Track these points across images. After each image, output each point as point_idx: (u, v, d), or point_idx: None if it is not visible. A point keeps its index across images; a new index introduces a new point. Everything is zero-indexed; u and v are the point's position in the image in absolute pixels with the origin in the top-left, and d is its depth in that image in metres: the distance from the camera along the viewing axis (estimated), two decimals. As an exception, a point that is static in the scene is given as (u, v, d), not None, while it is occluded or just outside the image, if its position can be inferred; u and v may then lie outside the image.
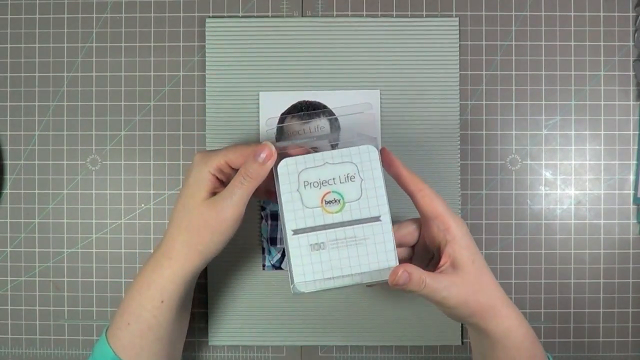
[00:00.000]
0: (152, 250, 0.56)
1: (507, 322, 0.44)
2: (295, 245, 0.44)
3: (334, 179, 0.44)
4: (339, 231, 0.44)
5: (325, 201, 0.44)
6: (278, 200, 0.44)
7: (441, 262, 0.44)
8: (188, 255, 0.45)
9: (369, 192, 0.44)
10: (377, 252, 0.44)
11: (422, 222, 0.46)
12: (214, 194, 0.45)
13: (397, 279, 0.42)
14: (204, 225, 0.44)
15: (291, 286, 0.44)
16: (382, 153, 0.45)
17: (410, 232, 0.47)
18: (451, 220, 0.44)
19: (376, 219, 0.44)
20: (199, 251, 0.45)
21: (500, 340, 0.44)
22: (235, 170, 0.46)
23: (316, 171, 0.44)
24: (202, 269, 0.47)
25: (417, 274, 0.42)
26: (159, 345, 0.46)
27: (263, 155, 0.43)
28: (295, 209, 0.44)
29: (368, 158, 0.44)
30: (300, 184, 0.44)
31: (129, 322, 0.45)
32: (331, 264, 0.44)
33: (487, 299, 0.44)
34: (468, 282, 0.44)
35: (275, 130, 0.54)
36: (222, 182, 0.46)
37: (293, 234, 0.44)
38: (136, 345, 0.45)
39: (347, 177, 0.44)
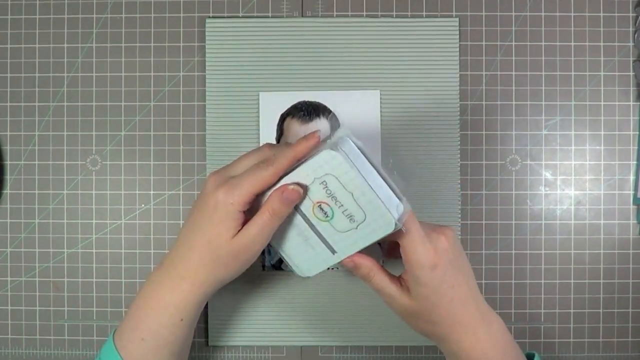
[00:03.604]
0: (152, 251, 0.56)
1: (454, 346, 0.45)
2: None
3: (342, 205, 0.43)
4: (304, 224, 0.45)
5: (320, 206, 0.44)
6: (305, 158, 0.43)
7: (403, 276, 0.46)
8: (212, 283, 0.45)
9: (351, 238, 0.44)
10: (308, 260, 0.47)
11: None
12: (240, 227, 0.44)
13: (345, 263, 0.45)
14: (233, 259, 0.45)
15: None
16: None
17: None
18: (417, 261, 0.43)
19: (333, 251, 0.45)
20: (223, 279, 0.46)
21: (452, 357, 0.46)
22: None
23: (338, 187, 0.43)
24: None
25: (366, 267, 0.45)
26: (171, 359, 0.46)
27: (291, 199, 0.43)
28: (300, 182, 0.43)
29: (381, 225, 0.43)
30: (320, 177, 0.43)
31: (144, 337, 0.45)
32: (279, 230, 0.45)
33: (426, 326, 0.46)
34: (411, 308, 0.45)
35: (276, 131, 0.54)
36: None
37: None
38: None
39: (351, 216, 0.43)
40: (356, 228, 0.43)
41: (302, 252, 0.46)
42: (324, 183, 0.43)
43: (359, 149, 0.43)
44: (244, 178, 0.43)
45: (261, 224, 0.43)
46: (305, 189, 0.43)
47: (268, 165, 0.43)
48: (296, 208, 0.44)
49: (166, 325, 0.45)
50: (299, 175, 0.43)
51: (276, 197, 0.43)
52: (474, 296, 0.45)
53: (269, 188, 0.44)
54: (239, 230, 0.44)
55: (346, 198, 0.43)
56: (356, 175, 0.42)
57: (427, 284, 0.43)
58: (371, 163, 0.43)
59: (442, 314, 0.44)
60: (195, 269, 0.45)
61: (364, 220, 0.43)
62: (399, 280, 0.46)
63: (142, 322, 0.45)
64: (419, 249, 0.43)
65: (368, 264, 0.45)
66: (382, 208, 0.42)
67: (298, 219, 0.45)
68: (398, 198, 0.43)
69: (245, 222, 0.44)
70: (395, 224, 0.42)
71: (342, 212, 0.43)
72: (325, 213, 0.44)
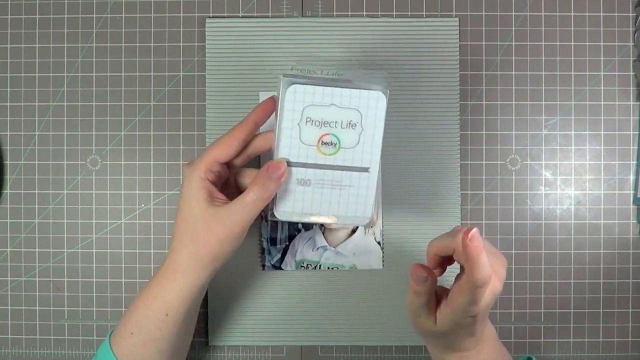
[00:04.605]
0: (152, 251, 0.56)
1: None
2: None
3: (336, 122, 0.44)
4: (327, 173, 0.45)
5: (322, 142, 0.44)
6: (277, 127, 0.44)
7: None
8: (195, 268, 0.44)
9: (366, 143, 0.44)
10: (357, 201, 0.45)
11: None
12: (210, 198, 0.44)
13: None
14: (211, 235, 0.44)
15: (270, 212, 0.46)
16: (463, 241, 0.38)
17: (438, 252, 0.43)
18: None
19: (365, 169, 0.45)
20: (205, 263, 0.44)
21: None
22: (224, 165, 0.46)
23: (321, 110, 0.43)
24: (209, 282, 0.47)
25: (426, 273, 0.42)
26: (161, 357, 0.46)
27: (277, 174, 0.43)
28: (291, 141, 0.44)
29: (375, 107, 0.43)
30: (302, 119, 0.44)
31: (133, 332, 0.45)
32: (312, 200, 0.45)
33: (434, 339, 0.45)
34: (432, 331, 0.43)
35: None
36: (215, 182, 0.46)
37: None
38: (139, 356, 0.45)
39: (349, 124, 0.44)
40: (362, 128, 0.44)
41: (347, 199, 0.45)
42: (308, 119, 0.43)
43: (304, 72, 0.44)
44: (205, 149, 0.45)
45: (243, 201, 0.43)
46: (287, 161, 0.44)
47: (227, 132, 0.45)
48: (309, 166, 0.44)
49: (151, 319, 0.45)
50: (284, 137, 0.44)
51: (262, 173, 0.43)
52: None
53: (238, 158, 0.46)
54: (217, 206, 0.44)
55: (334, 112, 0.43)
56: (324, 87, 0.43)
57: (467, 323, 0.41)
58: (325, 74, 0.44)
59: (454, 337, 0.43)
60: (178, 255, 0.45)
61: (361, 115, 0.43)
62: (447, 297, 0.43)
63: (132, 315, 0.46)
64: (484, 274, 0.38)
65: (437, 272, 0.43)
66: (365, 90, 0.43)
67: (318, 174, 0.45)
68: (365, 79, 0.44)
69: (218, 196, 0.45)
70: (384, 92, 0.43)
71: (342, 126, 0.44)
72: (331, 143, 0.44)
